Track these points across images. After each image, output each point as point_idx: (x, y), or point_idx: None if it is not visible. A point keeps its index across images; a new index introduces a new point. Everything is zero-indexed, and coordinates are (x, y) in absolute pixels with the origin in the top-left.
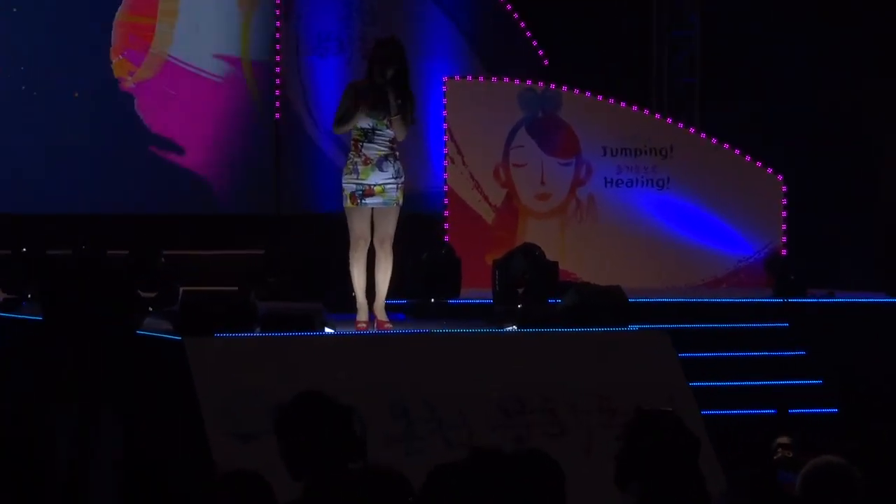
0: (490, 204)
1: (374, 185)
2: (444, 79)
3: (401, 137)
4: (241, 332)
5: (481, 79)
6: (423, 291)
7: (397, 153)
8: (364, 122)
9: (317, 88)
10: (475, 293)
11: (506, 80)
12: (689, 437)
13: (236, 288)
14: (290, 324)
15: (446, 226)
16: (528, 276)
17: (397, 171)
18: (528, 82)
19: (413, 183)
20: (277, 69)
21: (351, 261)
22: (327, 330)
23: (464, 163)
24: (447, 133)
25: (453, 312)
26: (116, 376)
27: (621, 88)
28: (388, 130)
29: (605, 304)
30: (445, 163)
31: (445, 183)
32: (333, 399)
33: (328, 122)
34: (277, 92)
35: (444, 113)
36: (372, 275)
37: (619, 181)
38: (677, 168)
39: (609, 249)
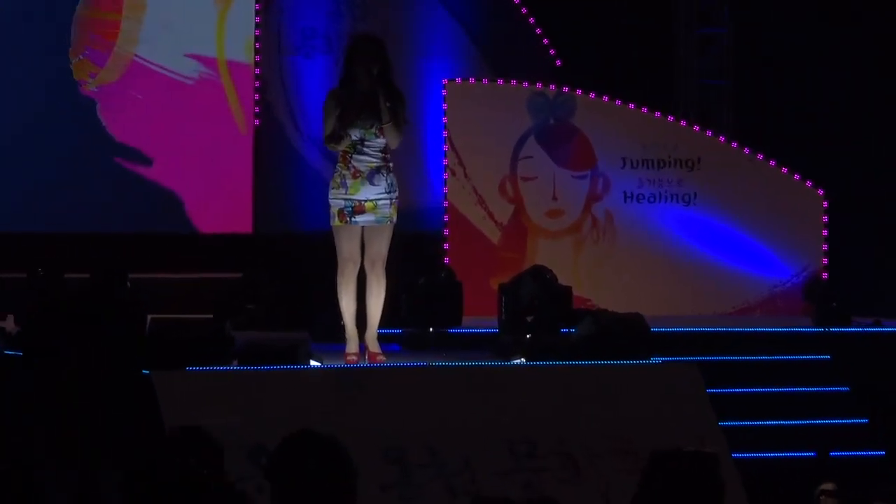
0: (495, 221)
1: (365, 201)
2: (444, 81)
3: (394, 144)
4: (216, 366)
5: (485, 81)
6: (420, 320)
7: (390, 164)
8: (354, 133)
9: (301, 92)
10: (479, 322)
11: (513, 82)
12: (714, 482)
13: (211, 316)
14: (272, 356)
15: (446, 246)
16: (538, 302)
17: (390, 185)
18: (539, 85)
19: (408, 198)
20: (257, 70)
21: (339, 285)
22: (313, 363)
23: (466, 175)
24: (447, 142)
25: (454, 343)
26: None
27: (642, 92)
28: (378, 139)
29: (625, 333)
30: (445, 175)
31: (445, 198)
32: (328, 439)
33: (313, 130)
34: (257, 96)
35: (444, 119)
36: (362, 301)
37: (641, 196)
38: (705, 181)
39: (629, 272)
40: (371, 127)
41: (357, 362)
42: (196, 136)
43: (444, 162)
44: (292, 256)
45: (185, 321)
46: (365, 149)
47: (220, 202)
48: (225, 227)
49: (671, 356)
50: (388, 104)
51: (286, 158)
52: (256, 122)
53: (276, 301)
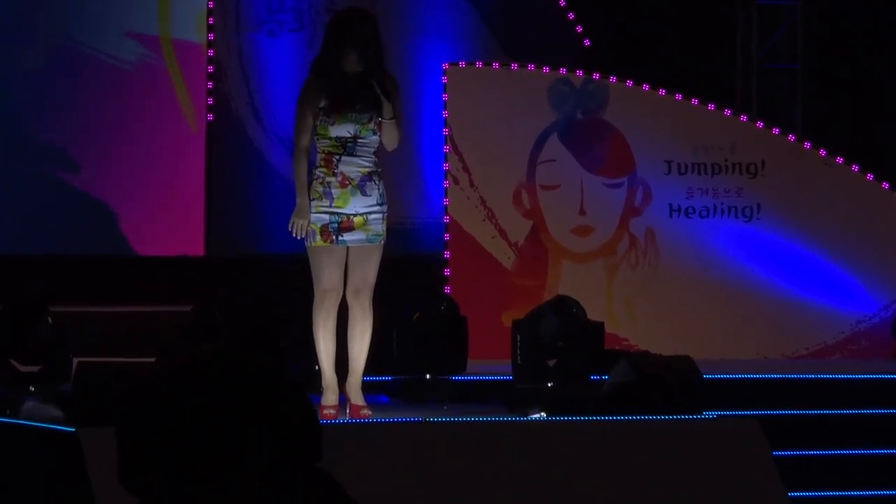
0: (508, 241)
1: (355, 215)
2: (445, 65)
3: (393, 145)
4: None
5: (496, 65)
6: (414, 364)
7: (380, 170)
8: (342, 130)
9: (265, 78)
10: (488, 367)
11: (531, 67)
12: None
13: (153, 360)
14: None
15: (447, 272)
16: (563, 342)
17: (382, 195)
18: (563, 70)
19: (399, 211)
20: (210, 52)
21: (315, 321)
22: None
23: (471, 183)
24: (448, 141)
25: (457, 394)
26: None
27: (691, 79)
28: (374, 137)
29: (670, 381)
30: (446, 183)
31: (446, 212)
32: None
33: (281, 127)
34: (210, 84)
35: (445, 113)
36: (344, 341)
37: (690, 209)
38: (771, 191)
39: (675, 305)
40: (369, 122)
41: (336, 417)
42: (135, 136)
43: (445, 167)
44: (255, 285)
45: (121, 366)
46: (358, 149)
47: (165, 217)
48: (171, 248)
49: (728, 409)
50: (390, 96)
51: (246, 161)
52: (209, 116)
53: (234, 341)
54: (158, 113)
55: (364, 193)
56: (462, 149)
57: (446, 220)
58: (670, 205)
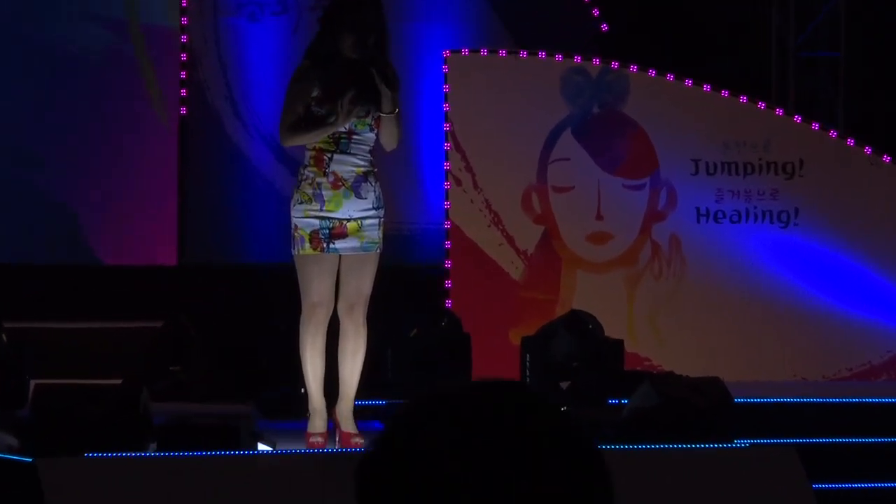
0: (517, 249)
1: (348, 221)
2: (445, 52)
3: (392, 144)
4: (127, 451)
5: (502, 52)
6: (412, 386)
7: (376, 170)
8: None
9: (245, 67)
10: None
11: (541, 54)
12: None
13: (119, 381)
14: (204, 437)
15: (448, 284)
16: (577, 362)
17: (378, 198)
18: (577, 58)
19: (394, 216)
20: (183, 38)
21: (302, 338)
22: (262, 447)
23: (475, 185)
24: (449, 138)
25: None
26: None
27: (722, 69)
28: (371, 134)
29: (698, 405)
30: (447, 184)
31: (447, 216)
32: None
33: (263, 122)
34: (183, 73)
35: (445, 106)
36: (334, 361)
37: (720, 214)
38: (809, 193)
39: (703, 320)
40: (366, 116)
41: (324, 446)
42: (98, 132)
43: (446, 166)
44: (234, 298)
45: (84, 389)
46: (352, 146)
47: (133, 222)
48: (140, 257)
49: (762, 437)
50: (390, 92)
51: (224, 161)
52: (183, 109)
53: (210, 361)
54: (125, 106)
55: (359, 196)
56: (465, 146)
57: (447, 225)
58: (697, 209)
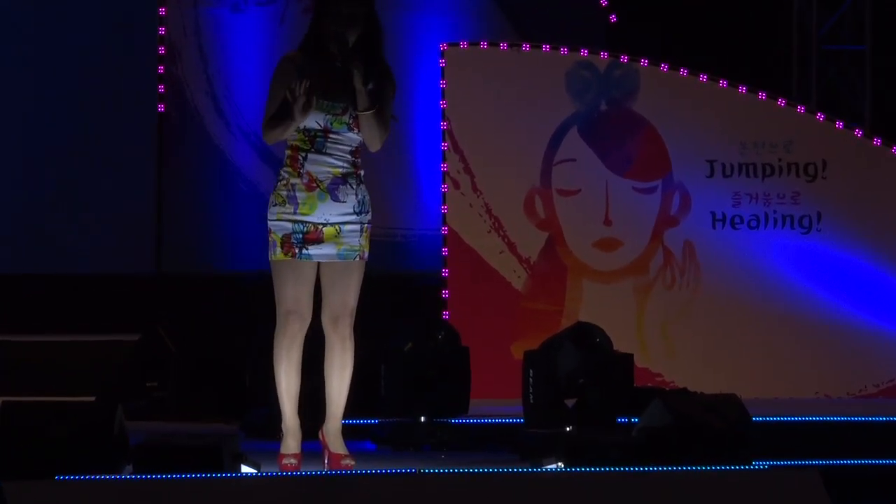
0: (519, 257)
1: (324, 225)
2: (443, 45)
3: (375, 145)
4: (101, 474)
5: (504, 46)
6: (406, 405)
7: (361, 172)
8: (310, 121)
9: (228, 62)
10: (495, 407)
11: (545, 47)
12: None
13: (93, 399)
14: (184, 459)
15: (445, 293)
16: (584, 378)
17: (362, 202)
18: (584, 52)
19: (386, 221)
20: (161, 29)
21: (276, 351)
22: (246, 469)
23: (475, 188)
24: (446, 137)
25: (458, 440)
26: None
27: (739, 63)
28: (350, 133)
29: (713, 425)
30: (444, 187)
31: (444, 221)
32: None
33: (246, 119)
34: (161, 68)
35: (443, 103)
36: (314, 376)
37: (737, 219)
38: (833, 197)
39: (718, 333)
40: (343, 113)
41: (298, 468)
42: (70, 129)
43: (443, 168)
44: (215, 309)
45: (54, 406)
46: (329, 145)
47: (108, 227)
48: (115, 264)
49: (783, 459)
50: (369, 86)
51: (206, 161)
52: (160, 107)
53: (190, 377)
54: (98, 100)
55: (336, 199)
56: (463, 146)
57: (444, 231)
58: (713, 213)
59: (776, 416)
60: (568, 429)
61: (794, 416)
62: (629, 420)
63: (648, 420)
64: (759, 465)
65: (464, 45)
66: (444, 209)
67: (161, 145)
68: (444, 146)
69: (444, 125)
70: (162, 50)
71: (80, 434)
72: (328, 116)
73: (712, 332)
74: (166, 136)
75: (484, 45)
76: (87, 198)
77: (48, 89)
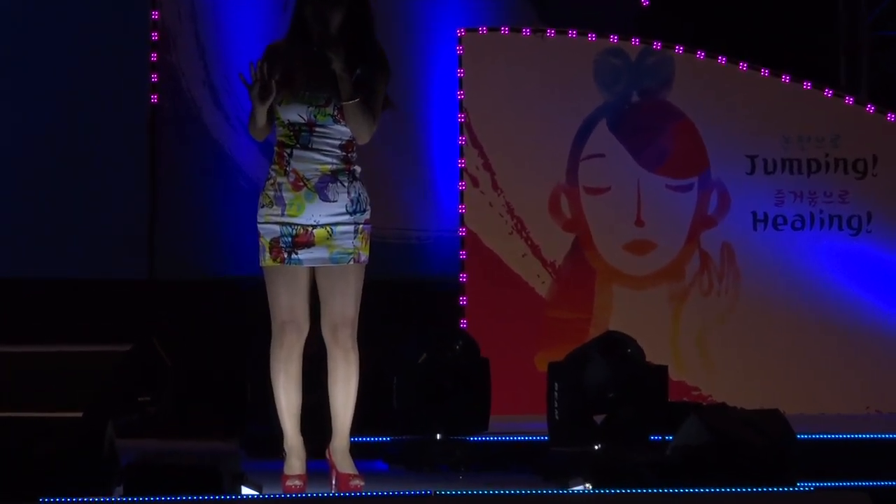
0: (544, 260)
1: (314, 227)
2: (460, 31)
3: (363, 137)
4: (89, 496)
5: (526, 31)
6: (421, 421)
7: (355, 168)
8: (293, 113)
9: (226, 49)
10: (516, 424)
11: (571, 33)
12: None
13: (80, 414)
14: (179, 480)
15: (463, 301)
16: (613, 392)
17: (356, 201)
18: (614, 38)
19: (398, 221)
20: (154, 14)
21: (273, 365)
22: (247, 491)
23: (495, 185)
24: (464, 131)
25: (477, 459)
26: None
27: (782, 50)
28: (337, 126)
29: (755, 442)
30: (461, 185)
31: (462, 222)
32: None
33: (247, 110)
34: (154, 55)
35: (460, 94)
36: (319, 389)
37: (780, 219)
38: (884, 195)
39: (760, 343)
40: (326, 104)
41: (303, 490)
42: (54, 123)
43: (460, 164)
44: (213, 317)
45: (39, 422)
46: (315, 139)
47: (96, 230)
48: (104, 269)
49: (830, 480)
50: (352, 73)
51: (202, 157)
52: (153, 97)
53: (186, 390)
54: (84, 90)
55: (325, 198)
56: (483, 140)
57: (462, 232)
58: (754, 213)
59: (822, 434)
60: (596, 447)
61: (841, 434)
62: (663, 438)
63: (684, 438)
64: (803, 487)
65: (483, 30)
66: (462, 209)
67: (153, 139)
68: (462, 140)
69: (461, 117)
70: (155, 36)
71: (66, 453)
72: (311, 108)
73: (753, 342)
74: (159, 130)
75: (505, 30)
76: (71, 197)
77: (30, 79)
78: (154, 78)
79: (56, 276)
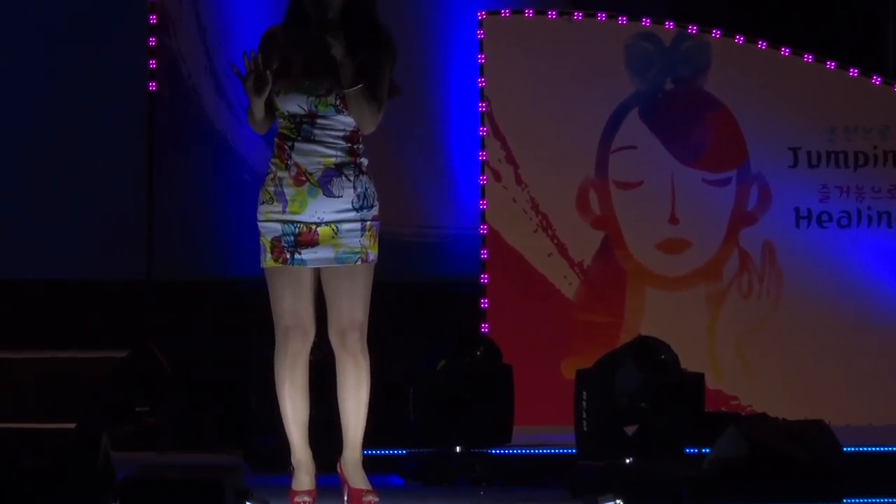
0: (571, 260)
1: (318, 225)
2: (481, 14)
3: (368, 126)
4: None
5: (552, 14)
6: (439, 432)
7: (362, 161)
8: (292, 105)
9: (230, 33)
10: (541, 436)
11: (601, 16)
12: None
13: (73, 426)
14: (179, 496)
15: (484, 303)
16: (647, 402)
17: (362, 196)
18: (646, 21)
19: (414, 218)
20: None
21: (278, 373)
22: None
23: (519, 179)
24: (486, 121)
25: (500, 473)
26: None
27: (826, 33)
28: (341, 116)
29: (798, 456)
30: (483, 179)
31: (483, 219)
32: None
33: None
34: (152, 40)
35: (481, 81)
36: (328, 398)
37: (825, 216)
38: None
39: (803, 350)
40: (327, 94)
41: None
42: (45, 112)
43: (482, 156)
44: (216, 321)
45: (29, 434)
46: (317, 132)
47: (91, 228)
48: (99, 269)
49: (877, 496)
50: (355, 58)
51: (204, 149)
52: (152, 85)
53: (186, 401)
54: (77, 77)
55: (329, 194)
56: (505, 131)
57: (483, 230)
58: (797, 210)
59: (870, 447)
60: (627, 461)
61: (891, 447)
62: (699, 451)
63: (722, 450)
64: (850, 503)
65: (505, 13)
66: (483, 205)
67: (151, 129)
68: (483, 131)
69: (482, 107)
70: (153, 18)
71: (58, 466)
72: (311, 99)
73: (796, 347)
74: (158, 119)
75: (529, 13)
76: (64, 191)
77: (20, 65)
78: (152, 64)
79: (46, 277)
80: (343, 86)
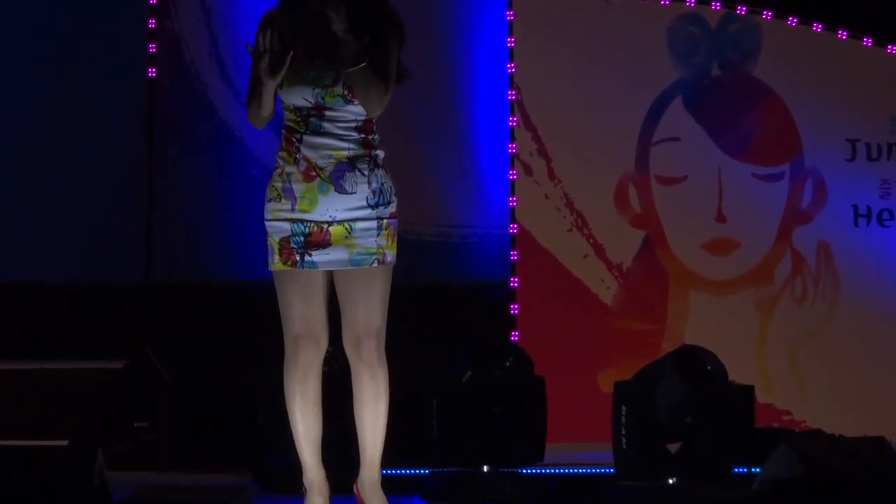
0: (608, 262)
1: (330, 224)
2: None
3: (372, 109)
4: None
5: None
6: (465, 450)
7: (378, 154)
8: (297, 97)
9: (235, 15)
10: (577, 454)
11: None
12: None
13: (66, 442)
14: None
15: (514, 309)
16: (691, 417)
17: (378, 192)
18: (691, 2)
19: (437, 217)
20: None
21: (288, 385)
22: None
23: (552, 174)
24: (516, 111)
25: (531, 494)
26: None
27: (887, 15)
28: (351, 107)
29: (856, 476)
30: (513, 174)
31: (513, 217)
32: None
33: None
34: (151, 22)
35: (511, 67)
36: (343, 412)
37: (885, 214)
38: None
39: (861, 361)
40: (334, 84)
41: None
42: (40, 101)
43: (511, 149)
44: (220, 329)
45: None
46: (326, 124)
47: (87, 228)
48: (94, 272)
49: None
50: (359, 36)
51: (208, 139)
52: (151, 71)
53: (188, 415)
54: (73, 62)
55: (341, 190)
56: (537, 122)
57: (513, 229)
58: (855, 207)
59: None
60: (670, 481)
61: None
62: (749, 470)
63: (773, 470)
64: None
65: None
66: (513, 202)
67: (151, 119)
68: (513, 122)
69: (512, 95)
70: (153, 0)
71: (48, 488)
72: (316, 90)
73: (853, 358)
74: (158, 108)
75: None
76: (57, 189)
77: (10, 53)
78: (152, 48)
79: (38, 280)
80: (345, 64)
